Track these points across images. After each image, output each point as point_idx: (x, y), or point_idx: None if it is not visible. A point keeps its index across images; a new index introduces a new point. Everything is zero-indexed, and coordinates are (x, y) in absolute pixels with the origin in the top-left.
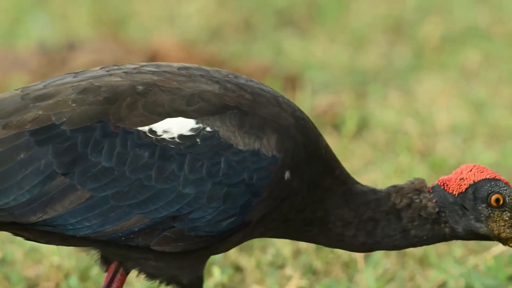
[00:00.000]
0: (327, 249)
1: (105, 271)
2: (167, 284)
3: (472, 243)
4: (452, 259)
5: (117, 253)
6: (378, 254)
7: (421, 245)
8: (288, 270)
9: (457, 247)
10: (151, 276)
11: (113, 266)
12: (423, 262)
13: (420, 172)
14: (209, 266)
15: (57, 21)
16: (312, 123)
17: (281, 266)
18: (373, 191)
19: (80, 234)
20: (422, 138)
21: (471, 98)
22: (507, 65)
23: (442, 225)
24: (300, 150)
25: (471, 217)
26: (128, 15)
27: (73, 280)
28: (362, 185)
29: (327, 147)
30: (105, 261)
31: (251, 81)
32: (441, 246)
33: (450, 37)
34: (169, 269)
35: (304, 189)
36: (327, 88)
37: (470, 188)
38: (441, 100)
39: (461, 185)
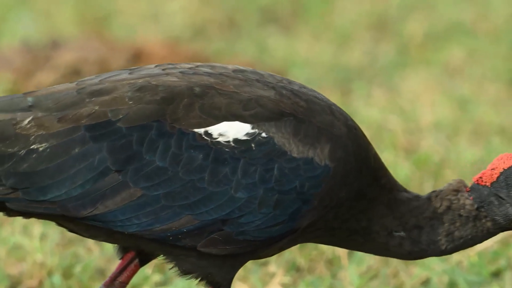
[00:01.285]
0: (310, 246)
1: (120, 259)
2: (199, 280)
3: None
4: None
5: (160, 248)
6: None
7: (468, 246)
8: (272, 267)
9: None
10: (186, 272)
11: (129, 255)
12: None
13: (405, 168)
14: None
15: (41, 19)
16: (362, 132)
17: (265, 263)
18: (416, 197)
19: (128, 231)
20: (406, 135)
21: (455, 95)
22: (491, 61)
23: (483, 220)
24: (351, 160)
25: (508, 205)
26: (112, 13)
27: (56, 278)
28: (407, 192)
29: (375, 156)
30: (124, 250)
31: (304, 87)
32: None
33: (434, 34)
34: (208, 268)
35: (351, 198)
36: (311, 85)
37: (502, 175)
38: (425, 97)
39: (492, 175)
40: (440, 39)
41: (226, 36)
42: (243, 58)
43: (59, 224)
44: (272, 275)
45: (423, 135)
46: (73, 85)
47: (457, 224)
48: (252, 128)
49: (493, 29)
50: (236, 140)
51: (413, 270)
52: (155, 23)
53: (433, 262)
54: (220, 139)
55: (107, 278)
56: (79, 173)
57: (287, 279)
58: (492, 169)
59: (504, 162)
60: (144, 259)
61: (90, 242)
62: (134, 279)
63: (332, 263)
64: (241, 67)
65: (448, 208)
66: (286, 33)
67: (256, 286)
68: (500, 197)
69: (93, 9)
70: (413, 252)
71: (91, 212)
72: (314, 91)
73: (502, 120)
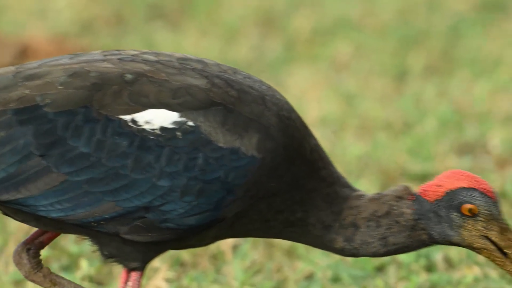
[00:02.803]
0: None
1: None
2: (117, 264)
3: None
4: (320, 250)
5: (85, 233)
6: (246, 246)
7: (401, 252)
8: (156, 263)
9: None
10: (109, 256)
11: None
12: (290, 253)
13: None
14: (76, 258)
15: None
16: (301, 122)
17: None
18: (359, 196)
19: (51, 216)
20: None
21: (341, 90)
22: (378, 57)
23: (420, 231)
24: (280, 151)
25: (445, 224)
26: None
27: None
28: (351, 189)
29: (314, 147)
30: None
31: (249, 77)
32: None
33: (321, 29)
34: (131, 254)
35: (283, 190)
36: None
37: (446, 195)
38: (312, 92)
39: (437, 192)
40: (327, 35)
41: (113, 31)
42: None
43: None
44: (156, 270)
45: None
46: (13, 68)
47: (393, 230)
48: (179, 117)
49: (380, 24)
50: (162, 128)
51: (297, 265)
52: (43, 19)
53: (317, 256)
54: (146, 126)
55: (28, 236)
56: (3, 157)
57: (171, 274)
58: (438, 185)
59: (451, 182)
60: None
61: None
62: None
63: (217, 258)
64: (189, 56)
65: (388, 213)
66: (174, 29)
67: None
68: (440, 216)
69: None
70: (346, 249)
71: (14, 196)
72: (258, 81)
73: (388, 115)
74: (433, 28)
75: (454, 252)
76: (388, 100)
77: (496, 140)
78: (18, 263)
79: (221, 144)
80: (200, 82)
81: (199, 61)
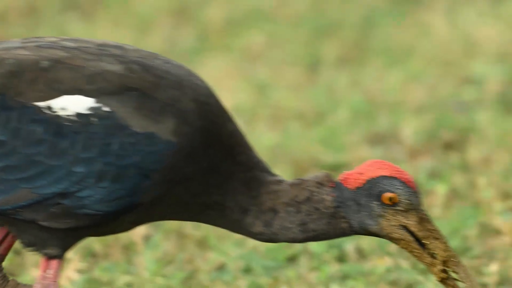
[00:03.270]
0: None
1: None
2: (37, 252)
3: None
4: (232, 241)
5: (4, 220)
6: (157, 236)
7: (321, 240)
8: (67, 253)
9: None
10: (28, 244)
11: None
12: (202, 244)
13: None
14: None
15: None
16: (220, 107)
17: None
18: (279, 181)
19: None
20: None
21: (254, 80)
22: (290, 46)
23: (340, 220)
24: (197, 136)
25: (365, 213)
26: None
27: None
28: (271, 174)
29: (234, 132)
30: None
31: (168, 63)
32: (220, 229)
33: (234, 19)
34: (49, 241)
35: (200, 174)
36: None
37: (367, 183)
38: (225, 82)
39: (358, 179)
40: (240, 25)
41: (26, 22)
42: None
43: None
44: (68, 261)
45: None
46: None
47: (313, 216)
48: (95, 102)
49: (293, 14)
50: (77, 114)
51: (208, 256)
52: None
53: (229, 247)
54: (61, 113)
55: None
56: None
57: (83, 265)
58: (359, 173)
59: (372, 171)
60: None
61: None
62: None
63: (128, 249)
64: (109, 42)
65: (308, 199)
66: (87, 19)
67: None
68: (360, 204)
69: None
70: (264, 234)
71: None
72: (178, 66)
73: (300, 105)
74: (346, 18)
75: (366, 242)
76: (301, 90)
77: (408, 130)
78: None
79: (136, 129)
80: (116, 67)
81: (118, 47)
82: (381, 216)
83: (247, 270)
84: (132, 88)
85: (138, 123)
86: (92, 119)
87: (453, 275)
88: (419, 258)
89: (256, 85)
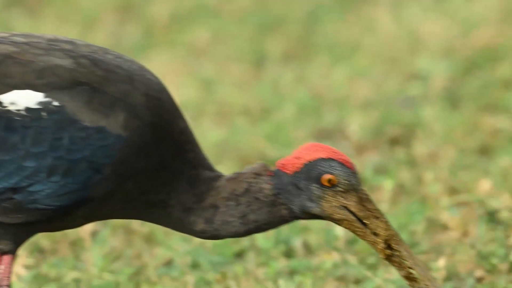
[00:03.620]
0: None
1: None
2: None
3: None
4: (179, 236)
5: None
6: (105, 232)
7: (263, 230)
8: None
9: None
10: None
11: None
12: (149, 240)
13: None
14: None
15: None
16: (172, 103)
17: None
18: (217, 177)
19: None
20: None
21: (199, 76)
22: (235, 42)
23: (280, 207)
24: (148, 130)
25: (304, 196)
26: None
27: None
28: (212, 171)
29: (184, 129)
30: None
31: (119, 57)
32: None
33: (179, 15)
34: (1, 236)
35: (151, 169)
36: None
37: (305, 167)
38: (170, 77)
39: (296, 164)
40: (185, 21)
41: None
42: None
43: None
44: (15, 257)
45: None
46: None
47: (253, 207)
48: (44, 97)
49: (238, 10)
50: (27, 109)
51: (156, 251)
52: None
53: (176, 242)
54: (11, 107)
55: None
56: None
57: (30, 261)
58: (296, 158)
59: (309, 154)
60: None
61: None
62: None
63: (76, 245)
64: (60, 37)
65: (246, 190)
66: (32, 15)
67: None
68: (299, 188)
69: None
70: (207, 231)
71: None
72: (129, 61)
73: (246, 101)
74: (291, 14)
75: (313, 237)
76: (246, 86)
77: (354, 126)
78: None
79: (86, 124)
80: (66, 62)
81: (69, 42)
82: (321, 198)
83: (195, 266)
84: (82, 83)
85: (88, 118)
86: (42, 113)
87: (397, 252)
88: (362, 237)
89: (202, 81)
